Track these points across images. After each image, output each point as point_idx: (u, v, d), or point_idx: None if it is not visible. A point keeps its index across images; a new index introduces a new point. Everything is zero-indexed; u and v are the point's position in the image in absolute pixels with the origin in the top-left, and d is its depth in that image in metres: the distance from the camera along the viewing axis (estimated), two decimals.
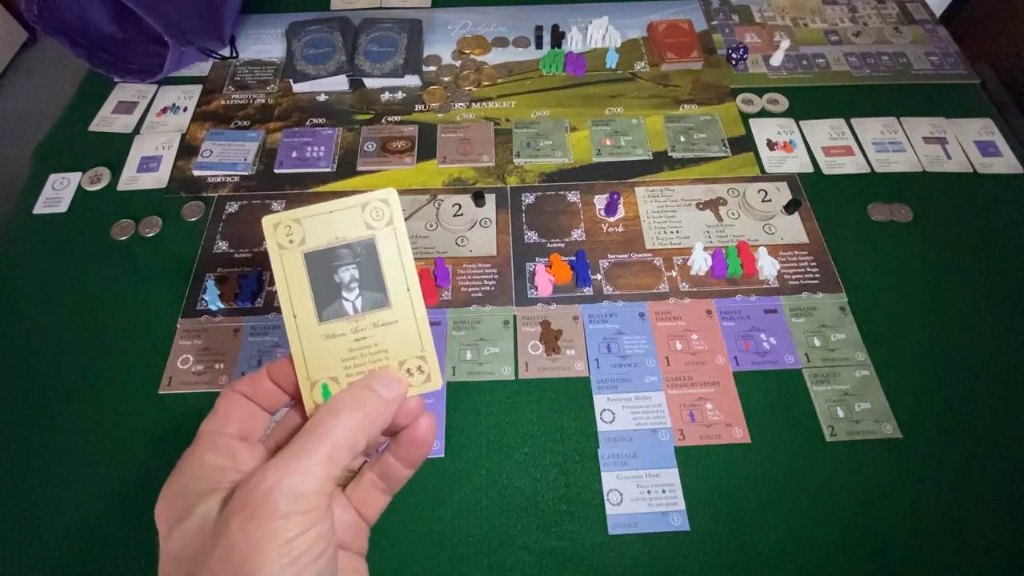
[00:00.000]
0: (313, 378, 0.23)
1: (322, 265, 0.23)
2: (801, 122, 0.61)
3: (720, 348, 0.47)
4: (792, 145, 0.59)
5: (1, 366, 0.47)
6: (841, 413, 0.44)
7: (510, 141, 0.59)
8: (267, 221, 0.23)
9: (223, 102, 0.63)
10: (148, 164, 0.58)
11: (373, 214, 0.24)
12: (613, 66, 0.66)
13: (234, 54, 0.68)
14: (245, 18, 0.71)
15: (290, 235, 0.23)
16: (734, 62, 0.66)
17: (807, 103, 0.62)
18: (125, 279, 0.51)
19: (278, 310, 0.48)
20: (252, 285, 0.49)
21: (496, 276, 0.50)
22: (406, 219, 0.53)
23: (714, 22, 0.70)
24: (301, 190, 0.56)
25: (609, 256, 0.52)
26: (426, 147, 0.59)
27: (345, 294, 0.23)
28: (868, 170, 0.57)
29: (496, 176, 0.57)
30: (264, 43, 0.69)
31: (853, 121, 0.61)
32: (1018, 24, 0.92)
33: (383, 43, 0.66)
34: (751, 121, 0.61)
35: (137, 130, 0.61)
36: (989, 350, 0.47)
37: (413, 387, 0.24)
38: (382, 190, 0.24)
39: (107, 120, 0.62)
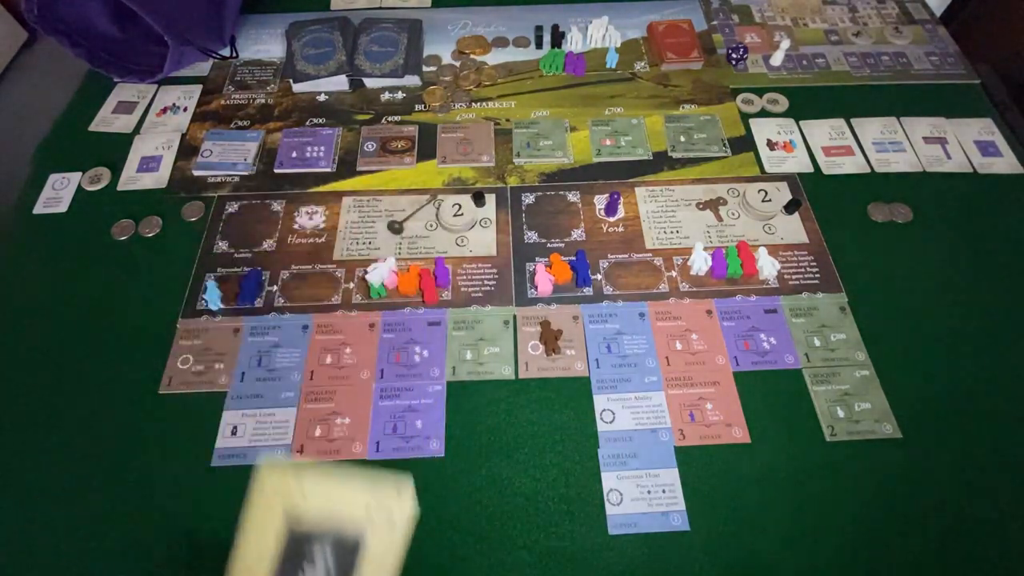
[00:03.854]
0: None
1: (298, 548, 0.20)
2: (801, 122, 0.61)
3: (720, 348, 0.47)
4: (792, 145, 0.59)
5: (1, 366, 0.47)
6: (841, 413, 0.44)
7: (510, 141, 0.59)
8: (265, 468, 0.19)
9: (223, 102, 0.63)
10: (148, 164, 0.58)
11: (378, 505, 0.21)
12: (613, 66, 0.66)
13: (234, 54, 0.68)
14: (245, 18, 0.71)
15: (286, 491, 0.20)
16: (734, 62, 0.66)
17: (807, 103, 0.62)
18: (125, 279, 0.51)
19: (279, 310, 0.48)
20: (252, 285, 0.49)
21: (496, 276, 0.50)
22: (406, 219, 0.53)
23: (714, 22, 0.70)
24: (301, 190, 0.56)
25: (609, 256, 0.52)
26: (426, 147, 0.59)
27: None
28: (868, 170, 0.57)
29: (496, 176, 0.57)
30: (264, 43, 0.69)
31: (853, 121, 0.61)
32: (1018, 24, 0.92)
33: (383, 43, 0.66)
34: (751, 121, 0.61)
35: (137, 130, 0.61)
36: (989, 350, 0.47)
37: None
38: (400, 483, 0.21)
39: (107, 120, 0.62)
